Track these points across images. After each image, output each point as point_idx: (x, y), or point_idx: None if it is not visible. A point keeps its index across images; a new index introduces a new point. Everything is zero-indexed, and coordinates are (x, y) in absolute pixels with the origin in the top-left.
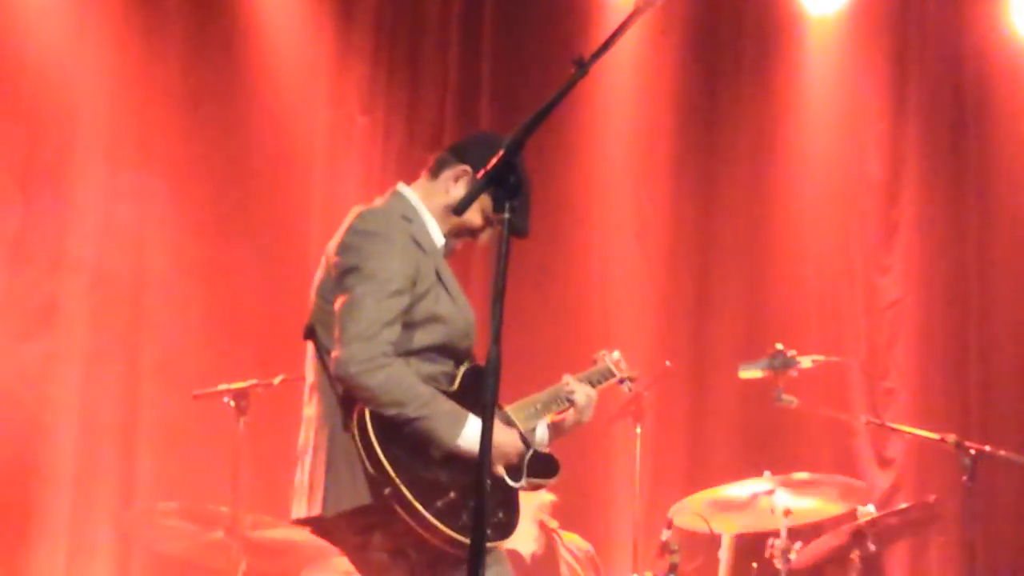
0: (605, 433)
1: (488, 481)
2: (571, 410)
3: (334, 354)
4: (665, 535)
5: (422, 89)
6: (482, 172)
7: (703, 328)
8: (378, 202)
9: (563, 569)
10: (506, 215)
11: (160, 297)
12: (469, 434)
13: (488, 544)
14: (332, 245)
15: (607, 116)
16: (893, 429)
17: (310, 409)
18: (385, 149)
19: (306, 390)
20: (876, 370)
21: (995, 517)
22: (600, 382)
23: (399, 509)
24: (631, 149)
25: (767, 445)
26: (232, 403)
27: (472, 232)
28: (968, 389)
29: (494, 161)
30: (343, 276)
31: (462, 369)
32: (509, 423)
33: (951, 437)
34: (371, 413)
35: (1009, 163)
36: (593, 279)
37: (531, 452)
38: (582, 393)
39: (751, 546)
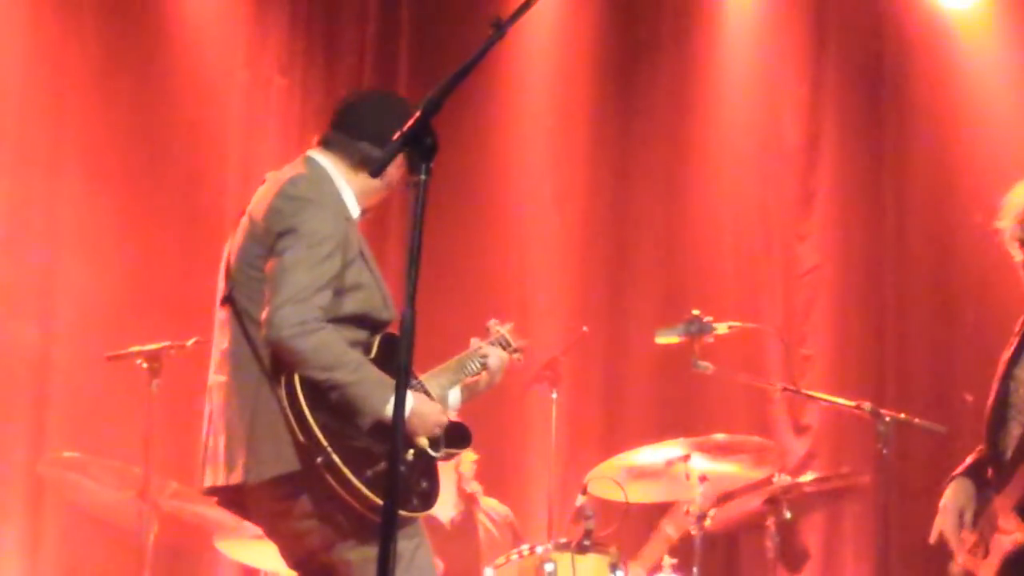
0: (521, 398)
1: (412, 451)
2: (483, 373)
3: (264, 316)
4: (580, 501)
5: (340, 50)
6: (398, 134)
7: (620, 293)
8: (289, 170)
9: (481, 534)
10: (422, 177)
11: (74, 257)
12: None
13: (413, 514)
14: (258, 210)
15: (525, 80)
16: (809, 396)
17: (220, 376)
18: (303, 111)
19: (216, 357)
20: (793, 337)
21: (910, 485)
22: (506, 349)
23: (329, 477)
24: (549, 114)
25: (683, 411)
26: (144, 365)
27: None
28: (884, 357)
29: (410, 122)
30: (276, 240)
31: (377, 337)
32: (427, 394)
33: (867, 405)
34: (301, 379)
35: (926, 131)
36: (511, 244)
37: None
38: (495, 356)
39: (666, 512)
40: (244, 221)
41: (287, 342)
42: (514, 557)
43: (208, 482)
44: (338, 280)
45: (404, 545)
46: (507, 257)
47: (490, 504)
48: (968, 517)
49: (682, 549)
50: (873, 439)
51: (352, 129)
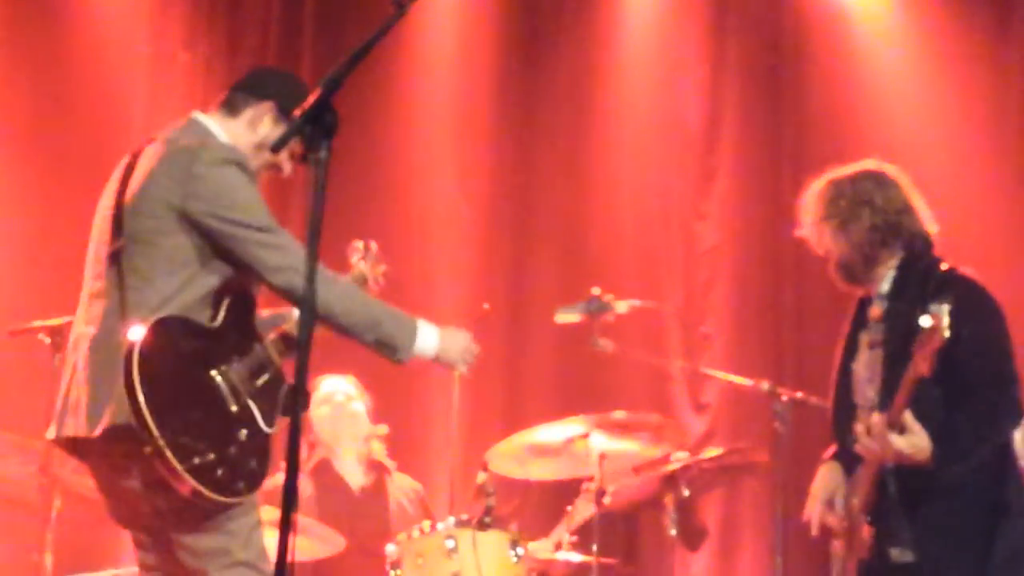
0: (423, 375)
1: (245, 432)
2: None
3: (289, 287)
4: (481, 478)
5: (245, 25)
6: (299, 110)
7: (521, 272)
8: (188, 135)
9: (393, 506)
10: (322, 154)
11: None
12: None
13: (237, 499)
14: (167, 171)
15: (427, 58)
16: (708, 375)
17: (91, 328)
18: (207, 86)
19: (92, 309)
20: (692, 316)
21: (806, 463)
22: (364, 285)
23: (158, 464)
24: (451, 92)
25: (583, 390)
26: (47, 339)
27: (277, 167)
28: (783, 336)
29: (312, 99)
30: (222, 208)
31: (226, 299)
32: (262, 364)
33: (764, 383)
34: (139, 360)
35: (825, 111)
36: (412, 222)
37: (286, 387)
38: None
39: (566, 489)
40: (141, 178)
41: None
42: (415, 534)
43: (69, 431)
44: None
45: (243, 523)
46: (409, 235)
47: (401, 479)
48: (839, 503)
49: (582, 527)
50: (771, 418)
51: (239, 82)
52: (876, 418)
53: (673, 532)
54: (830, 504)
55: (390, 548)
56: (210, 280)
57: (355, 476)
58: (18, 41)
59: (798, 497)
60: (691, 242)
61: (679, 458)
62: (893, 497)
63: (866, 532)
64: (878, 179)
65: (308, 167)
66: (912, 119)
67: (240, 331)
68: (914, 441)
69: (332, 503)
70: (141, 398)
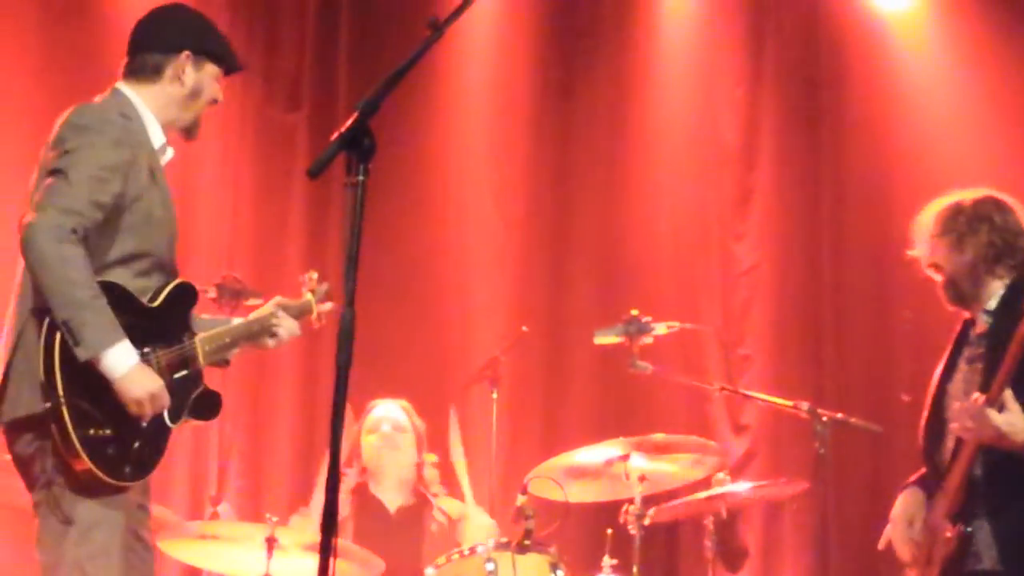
0: (461, 397)
1: (145, 422)
2: (270, 340)
3: (27, 219)
4: (520, 501)
5: (280, 49)
6: (337, 134)
7: (560, 293)
8: (97, 99)
9: (434, 527)
10: (360, 178)
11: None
12: (113, 358)
13: (119, 483)
14: (50, 139)
15: (464, 79)
16: (747, 396)
17: (12, 299)
18: (243, 106)
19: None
20: (731, 337)
21: (847, 483)
22: (301, 315)
23: (52, 425)
24: (488, 114)
25: (623, 411)
26: None
27: (214, 101)
28: (822, 356)
29: (349, 123)
30: (55, 160)
31: (169, 285)
32: (184, 360)
33: (804, 404)
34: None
35: (863, 130)
36: (450, 244)
37: (201, 389)
38: (286, 329)
39: (607, 511)
40: (42, 151)
41: (40, 243)
42: (455, 557)
43: None
44: (120, 216)
45: (87, 516)
46: (447, 257)
47: (447, 503)
48: (917, 526)
49: (622, 549)
50: (811, 439)
51: (138, 44)
52: (976, 396)
53: (713, 553)
54: (910, 528)
55: (429, 571)
56: (124, 246)
57: (393, 499)
58: (50, 43)
59: (839, 517)
60: (729, 263)
61: (720, 479)
62: (979, 490)
63: (950, 534)
64: (998, 203)
65: (346, 190)
66: (951, 133)
67: (175, 320)
68: (1011, 419)
69: (368, 524)
70: (57, 350)
